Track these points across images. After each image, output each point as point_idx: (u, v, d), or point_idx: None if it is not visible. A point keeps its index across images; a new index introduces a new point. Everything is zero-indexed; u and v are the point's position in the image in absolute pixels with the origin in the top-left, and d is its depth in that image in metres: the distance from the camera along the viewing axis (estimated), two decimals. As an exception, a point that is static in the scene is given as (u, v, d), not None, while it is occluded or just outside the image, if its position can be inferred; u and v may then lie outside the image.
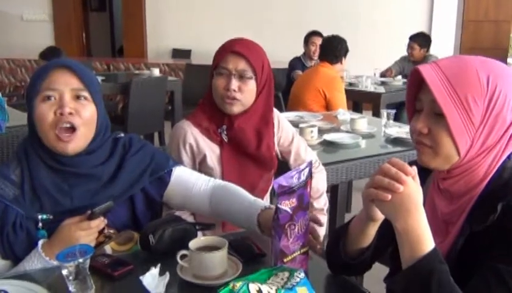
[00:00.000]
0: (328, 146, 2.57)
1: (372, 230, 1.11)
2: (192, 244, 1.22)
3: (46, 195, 1.33)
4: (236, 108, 1.76)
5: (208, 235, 1.57)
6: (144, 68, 6.30)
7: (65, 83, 1.31)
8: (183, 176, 1.53)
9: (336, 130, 2.86)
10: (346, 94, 4.48)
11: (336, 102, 3.60)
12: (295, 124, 2.66)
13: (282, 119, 1.96)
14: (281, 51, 4.93)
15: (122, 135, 1.52)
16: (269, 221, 1.25)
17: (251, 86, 1.75)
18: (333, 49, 3.74)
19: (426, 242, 0.96)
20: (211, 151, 1.80)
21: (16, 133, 2.75)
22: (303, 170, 1.14)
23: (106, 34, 11.02)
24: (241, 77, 1.73)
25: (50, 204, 1.34)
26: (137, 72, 5.67)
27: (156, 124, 4.82)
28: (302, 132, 2.49)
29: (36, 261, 1.26)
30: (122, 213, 1.46)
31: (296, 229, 1.14)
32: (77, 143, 1.33)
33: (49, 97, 1.30)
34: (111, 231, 1.40)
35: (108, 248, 1.38)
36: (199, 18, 7.67)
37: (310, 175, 1.16)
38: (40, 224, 1.34)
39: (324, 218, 2.03)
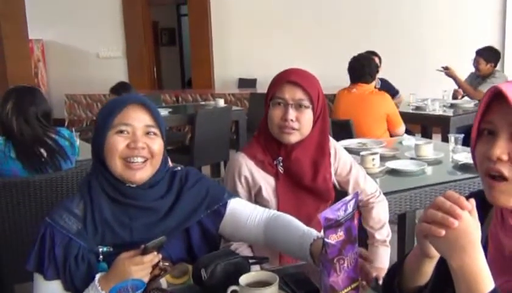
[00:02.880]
0: (391, 174, 2.49)
1: (429, 267, 1.05)
2: (243, 279, 1.21)
3: (107, 228, 1.38)
4: (294, 138, 1.75)
5: (265, 268, 1.56)
6: (211, 99, 6.48)
7: (139, 120, 1.38)
8: (238, 208, 1.54)
9: (401, 157, 2.77)
10: (413, 118, 4.38)
11: (396, 120, 3.53)
12: (356, 152, 2.63)
13: (339, 149, 1.93)
14: (346, 77, 4.89)
15: (179, 168, 1.55)
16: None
17: (308, 115, 1.74)
18: (365, 67, 3.67)
19: (485, 282, 0.89)
20: (267, 183, 1.79)
21: (86, 166, 2.88)
22: (349, 201, 1.11)
23: (176, 67, 11.46)
24: (298, 106, 1.72)
25: (111, 237, 1.38)
26: (203, 103, 5.83)
27: (222, 153, 4.91)
28: (363, 160, 2.43)
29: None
30: (178, 245, 1.48)
31: (345, 264, 1.10)
32: (145, 172, 1.38)
33: (122, 131, 1.36)
34: (166, 264, 1.42)
35: (163, 281, 1.39)
36: (262, 48, 7.80)
37: (357, 206, 1.12)
38: (101, 257, 1.38)
39: (387, 250, 1.96)
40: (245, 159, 1.80)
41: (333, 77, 5.21)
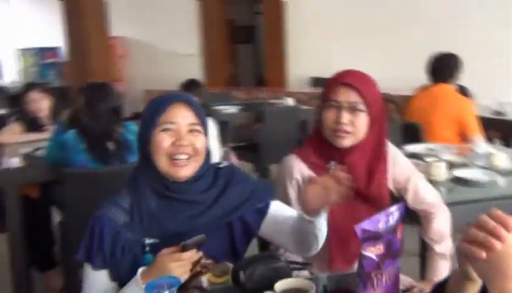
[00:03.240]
0: (459, 183, 2.34)
1: (470, 291, 0.97)
2: (278, 286, 1.19)
3: (153, 220, 1.42)
4: (347, 142, 1.70)
5: (315, 275, 1.53)
6: (283, 97, 6.47)
7: (183, 117, 1.41)
8: (279, 210, 1.55)
9: (471, 165, 2.60)
10: (492, 124, 4.12)
11: (470, 127, 3.33)
12: (423, 158, 2.51)
13: (397, 155, 1.84)
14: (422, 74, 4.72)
15: (224, 164, 1.57)
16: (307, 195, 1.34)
17: (363, 119, 1.68)
18: (444, 67, 3.49)
19: None
20: (318, 187, 1.75)
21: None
22: (392, 213, 1.06)
23: (251, 65, 11.55)
24: (352, 109, 1.67)
25: (157, 229, 1.42)
26: (273, 101, 5.84)
27: (288, 152, 4.87)
28: (428, 167, 2.31)
29: (135, 289, 1.33)
30: (220, 241, 1.49)
31: (384, 279, 1.05)
32: (189, 169, 1.42)
33: (167, 129, 1.40)
34: (208, 262, 1.42)
35: (204, 280, 1.40)
36: (338, 47, 7.65)
37: (401, 219, 1.06)
38: (147, 248, 1.41)
39: (446, 264, 1.84)
40: (297, 161, 1.78)
41: (410, 79, 5.00)
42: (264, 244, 1.91)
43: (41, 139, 3.39)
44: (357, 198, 1.74)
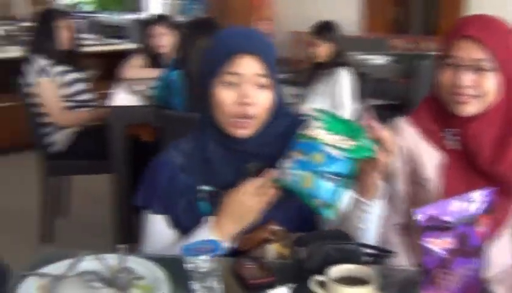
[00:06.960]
0: None
1: None
2: (334, 271, 1.15)
3: (209, 167, 1.48)
4: (471, 108, 1.57)
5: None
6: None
7: (249, 69, 1.40)
8: None
9: None
10: None
11: None
12: None
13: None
14: None
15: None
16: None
17: (491, 80, 1.54)
18: None
19: None
20: (430, 159, 1.66)
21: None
22: (474, 199, 0.96)
23: (423, 8, 10.95)
24: (477, 68, 1.53)
25: (213, 176, 1.48)
26: (435, 53, 5.48)
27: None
28: None
29: (208, 235, 1.39)
30: (293, 209, 1.46)
31: (452, 281, 0.96)
32: (252, 129, 1.45)
33: (230, 83, 1.41)
34: (278, 228, 1.41)
35: (271, 249, 1.39)
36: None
37: (489, 209, 0.95)
38: (201, 195, 1.48)
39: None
40: (408, 126, 1.71)
41: None
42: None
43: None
44: (478, 178, 1.60)
